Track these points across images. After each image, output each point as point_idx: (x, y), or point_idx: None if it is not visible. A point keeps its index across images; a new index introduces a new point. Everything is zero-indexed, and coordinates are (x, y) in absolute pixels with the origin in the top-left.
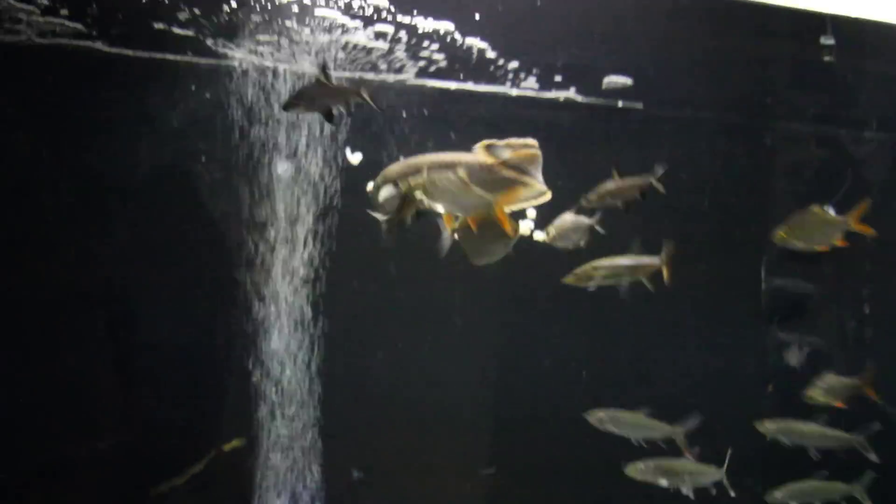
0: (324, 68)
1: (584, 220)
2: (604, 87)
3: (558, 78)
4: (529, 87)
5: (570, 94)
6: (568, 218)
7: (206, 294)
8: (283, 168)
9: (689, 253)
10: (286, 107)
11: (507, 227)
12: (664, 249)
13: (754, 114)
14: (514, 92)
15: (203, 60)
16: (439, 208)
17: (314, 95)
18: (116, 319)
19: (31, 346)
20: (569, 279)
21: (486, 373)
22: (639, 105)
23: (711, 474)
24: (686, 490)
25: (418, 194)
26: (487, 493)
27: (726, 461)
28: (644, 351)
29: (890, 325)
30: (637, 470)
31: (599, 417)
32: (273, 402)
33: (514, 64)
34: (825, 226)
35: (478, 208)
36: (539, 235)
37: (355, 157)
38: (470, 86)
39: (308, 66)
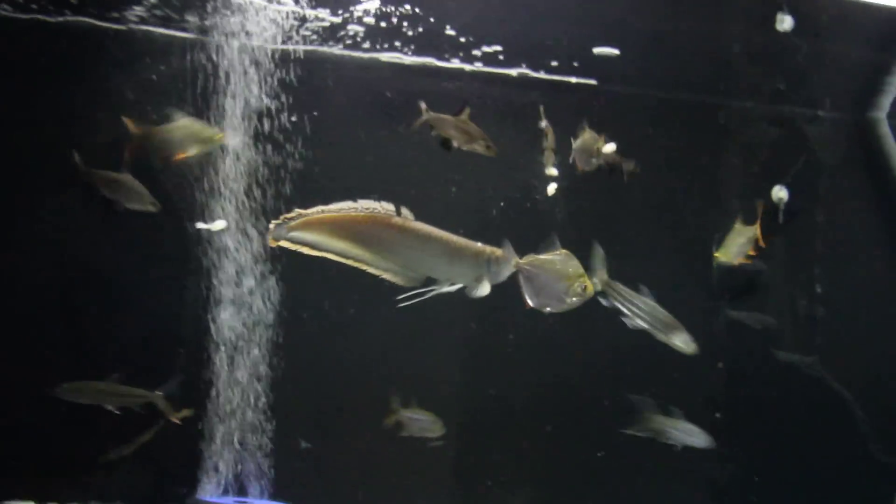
0: None
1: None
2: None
3: (514, 54)
4: (484, 62)
5: (525, 70)
6: (588, 137)
7: (163, 261)
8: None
9: (642, 230)
10: None
11: None
12: None
13: (709, 92)
14: (469, 67)
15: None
16: None
17: None
18: (71, 286)
19: None
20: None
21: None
22: (592, 82)
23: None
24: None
25: None
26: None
27: None
28: (596, 328)
29: (841, 304)
30: None
31: None
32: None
33: (469, 39)
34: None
35: None
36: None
37: (217, 224)
38: (426, 61)
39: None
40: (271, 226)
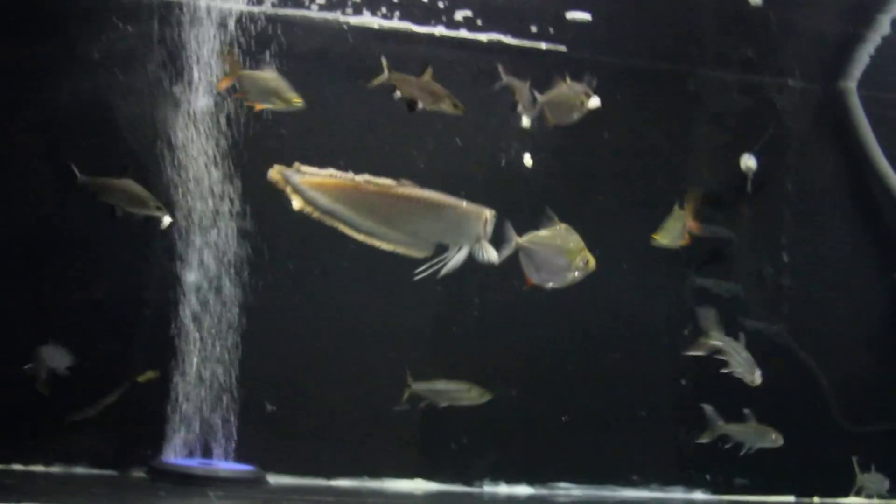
0: None
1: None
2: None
3: (485, 19)
4: (455, 27)
5: (497, 35)
6: (566, 90)
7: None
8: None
9: (611, 198)
10: None
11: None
12: None
13: (679, 60)
14: (439, 32)
15: None
16: None
17: None
18: (36, 252)
19: None
20: None
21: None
22: (562, 48)
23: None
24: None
25: None
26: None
27: None
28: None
29: (808, 273)
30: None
31: None
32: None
33: (441, 4)
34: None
35: None
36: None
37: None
38: (396, 24)
39: None
40: (280, 167)
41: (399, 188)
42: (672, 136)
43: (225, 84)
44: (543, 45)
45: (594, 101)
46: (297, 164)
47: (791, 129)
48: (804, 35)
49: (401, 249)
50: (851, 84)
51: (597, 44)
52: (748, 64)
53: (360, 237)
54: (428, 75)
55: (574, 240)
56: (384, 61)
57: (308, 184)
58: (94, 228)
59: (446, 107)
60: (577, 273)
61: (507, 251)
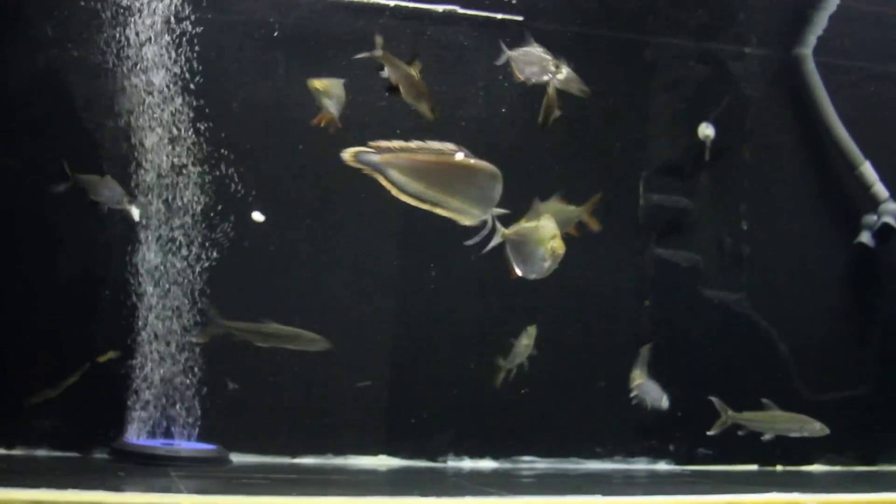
0: None
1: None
2: None
3: None
4: None
5: (450, 6)
6: (535, 49)
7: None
8: None
9: (567, 168)
10: None
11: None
12: None
13: (635, 28)
14: (392, 3)
15: None
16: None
17: None
18: None
19: None
20: None
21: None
22: (519, 18)
23: None
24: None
25: None
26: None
27: None
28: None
29: (767, 242)
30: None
31: None
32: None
33: None
34: (561, 215)
35: None
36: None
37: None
38: None
39: None
40: (356, 148)
41: (459, 156)
42: (629, 105)
43: (318, 121)
44: (499, 16)
45: (566, 70)
46: (372, 144)
47: (749, 97)
48: (760, 2)
49: (463, 219)
50: (807, 51)
51: (553, 12)
52: (705, 32)
53: (425, 207)
54: (415, 68)
55: (550, 228)
56: (378, 38)
57: (385, 161)
58: (54, 209)
59: (423, 109)
60: (549, 262)
61: (493, 242)
